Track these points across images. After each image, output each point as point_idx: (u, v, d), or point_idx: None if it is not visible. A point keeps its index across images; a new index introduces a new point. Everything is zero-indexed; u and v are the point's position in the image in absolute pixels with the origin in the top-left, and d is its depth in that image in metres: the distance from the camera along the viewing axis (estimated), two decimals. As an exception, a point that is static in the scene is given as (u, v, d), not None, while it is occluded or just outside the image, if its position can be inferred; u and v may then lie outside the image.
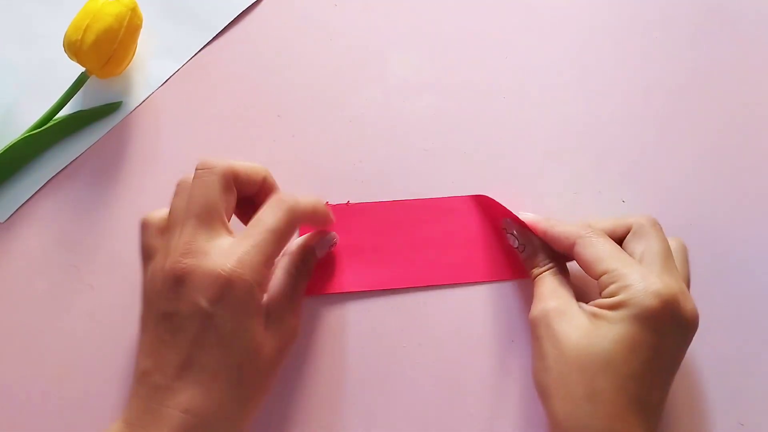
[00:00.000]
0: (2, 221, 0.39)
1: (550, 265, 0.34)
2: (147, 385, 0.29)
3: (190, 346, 0.28)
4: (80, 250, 0.38)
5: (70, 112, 0.40)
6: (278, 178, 0.38)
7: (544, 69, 0.40)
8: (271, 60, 0.40)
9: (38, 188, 0.39)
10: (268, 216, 0.30)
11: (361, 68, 0.40)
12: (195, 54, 0.41)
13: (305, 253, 0.35)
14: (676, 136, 0.39)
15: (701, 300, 0.36)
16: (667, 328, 0.29)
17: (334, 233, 0.36)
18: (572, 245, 0.32)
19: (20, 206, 0.39)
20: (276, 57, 0.40)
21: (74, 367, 0.37)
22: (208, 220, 0.30)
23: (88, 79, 0.39)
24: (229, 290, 0.28)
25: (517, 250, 0.35)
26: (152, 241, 0.32)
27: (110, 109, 0.40)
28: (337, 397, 0.35)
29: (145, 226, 0.33)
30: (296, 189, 0.38)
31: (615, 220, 0.33)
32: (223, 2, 0.41)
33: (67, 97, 0.39)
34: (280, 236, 0.30)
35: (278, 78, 0.40)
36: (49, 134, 0.39)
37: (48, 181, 0.39)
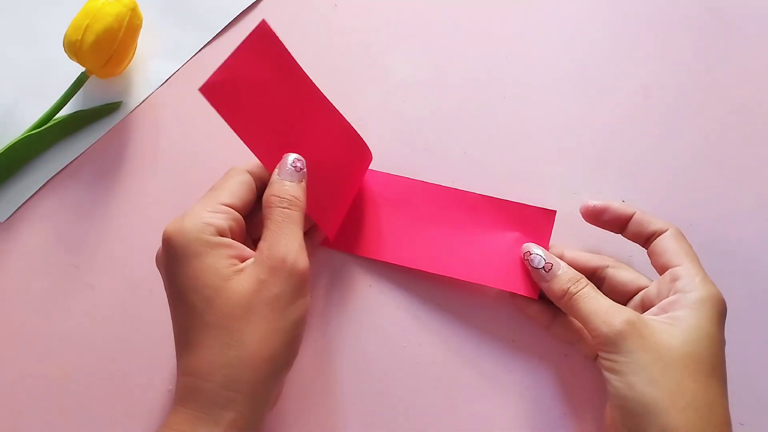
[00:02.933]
0: (2, 221, 0.39)
1: (585, 281, 0.32)
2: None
3: (173, 311, 0.29)
4: (80, 250, 0.38)
5: (70, 112, 0.39)
6: (278, 178, 0.38)
7: (544, 69, 0.40)
8: (271, 60, 0.40)
9: (38, 188, 0.39)
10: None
11: (361, 68, 0.40)
12: (195, 54, 0.41)
13: (270, 186, 0.31)
14: (676, 136, 0.39)
15: (701, 300, 0.36)
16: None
17: (293, 155, 0.32)
18: (656, 233, 0.32)
19: (20, 206, 0.39)
20: (276, 57, 0.40)
21: (74, 367, 0.37)
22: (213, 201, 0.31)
23: (88, 79, 0.39)
24: (171, 242, 0.29)
25: (542, 271, 0.33)
26: None
27: (110, 109, 0.40)
28: (336, 396, 0.35)
29: None
30: (296, 189, 0.38)
31: (639, 225, 0.33)
32: (223, 2, 0.41)
33: (67, 97, 0.39)
34: (218, 187, 0.32)
35: (278, 78, 0.40)
36: (49, 134, 0.39)
37: (48, 181, 0.39)
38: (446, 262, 0.36)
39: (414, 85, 0.40)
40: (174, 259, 0.28)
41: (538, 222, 0.36)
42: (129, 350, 0.37)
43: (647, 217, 0.33)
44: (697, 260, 0.31)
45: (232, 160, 0.39)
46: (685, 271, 0.30)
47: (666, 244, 0.32)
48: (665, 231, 0.32)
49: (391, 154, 0.39)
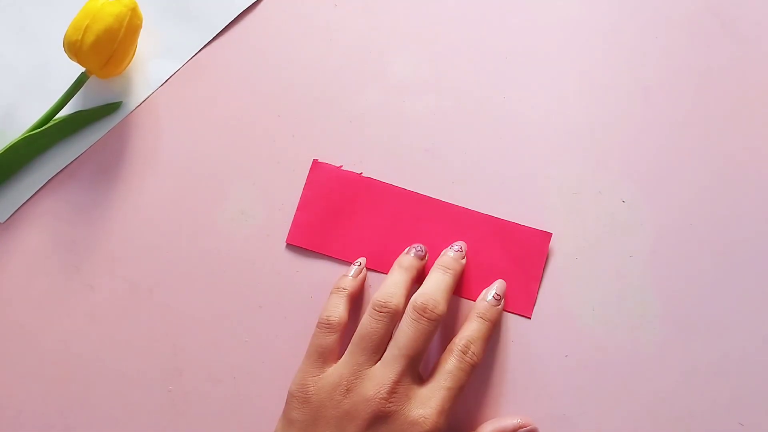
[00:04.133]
0: (2, 221, 0.39)
1: None
2: None
3: None
4: (80, 250, 0.38)
5: (70, 112, 0.40)
6: (278, 178, 0.39)
7: (544, 69, 0.40)
8: (271, 60, 0.40)
9: (38, 188, 0.39)
10: (452, 370, 0.32)
11: (361, 68, 0.40)
12: (195, 54, 0.41)
13: None
14: (676, 136, 0.39)
15: (702, 300, 0.36)
16: None
17: (518, 421, 0.34)
18: None
19: (20, 206, 0.39)
20: (276, 57, 0.40)
21: (74, 367, 0.37)
22: (416, 365, 0.31)
23: (88, 79, 0.39)
24: None
25: None
26: (332, 344, 0.33)
27: (110, 109, 0.40)
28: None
29: (328, 326, 0.34)
30: (296, 189, 0.38)
31: None
32: (223, 2, 0.41)
33: (67, 97, 0.39)
34: (460, 392, 0.32)
35: (278, 78, 0.40)
36: (49, 134, 0.39)
37: (48, 181, 0.39)
38: None
39: (414, 85, 0.40)
40: None
41: (533, 243, 0.37)
42: (129, 350, 0.37)
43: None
44: None
45: (231, 160, 0.39)
46: None
47: None
48: None
49: (391, 154, 0.39)
